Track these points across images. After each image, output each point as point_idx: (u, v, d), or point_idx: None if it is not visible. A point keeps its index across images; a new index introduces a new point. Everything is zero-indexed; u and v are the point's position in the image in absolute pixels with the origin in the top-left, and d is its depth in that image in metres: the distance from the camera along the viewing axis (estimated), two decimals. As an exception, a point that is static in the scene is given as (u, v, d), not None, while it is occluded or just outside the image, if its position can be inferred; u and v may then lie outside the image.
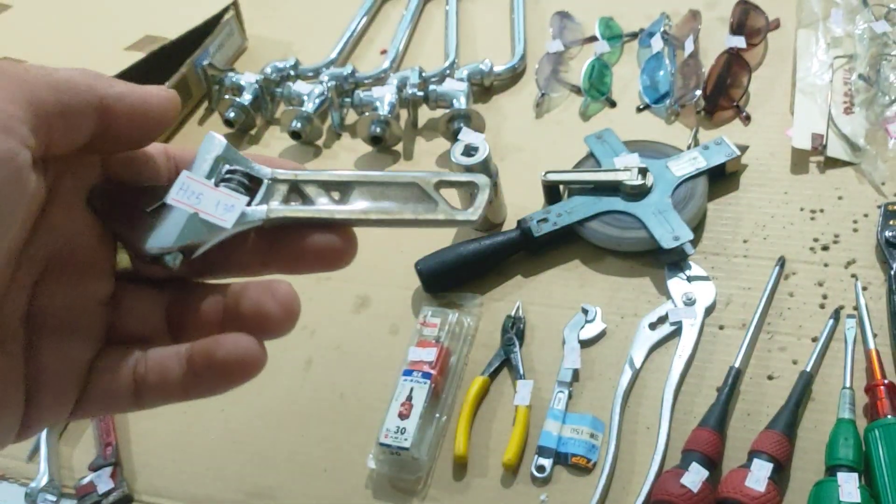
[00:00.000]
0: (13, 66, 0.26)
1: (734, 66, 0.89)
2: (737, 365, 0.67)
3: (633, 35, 1.01)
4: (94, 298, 0.29)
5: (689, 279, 0.75)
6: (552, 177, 0.83)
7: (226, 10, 1.11)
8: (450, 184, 0.31)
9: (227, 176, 0.30)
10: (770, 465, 0.59)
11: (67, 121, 0.27)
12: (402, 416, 0.69)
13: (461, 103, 0.94)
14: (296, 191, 0.31)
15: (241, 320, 0.29)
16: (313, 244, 0.30)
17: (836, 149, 0.81)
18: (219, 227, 0.29)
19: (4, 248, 0.25)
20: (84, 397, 0.29)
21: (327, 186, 0.31)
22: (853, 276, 0.72)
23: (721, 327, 0.72)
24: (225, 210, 0.29)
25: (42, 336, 0.28)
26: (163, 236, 0.29)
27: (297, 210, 0.30)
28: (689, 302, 0.73)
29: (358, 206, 0.30)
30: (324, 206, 0.30)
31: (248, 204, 0.30)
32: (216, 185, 0.30)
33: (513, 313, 0.77)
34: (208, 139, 0.31)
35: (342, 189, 0.31)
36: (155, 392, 0.29)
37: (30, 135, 0.25)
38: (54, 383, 0.28)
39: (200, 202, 0.29)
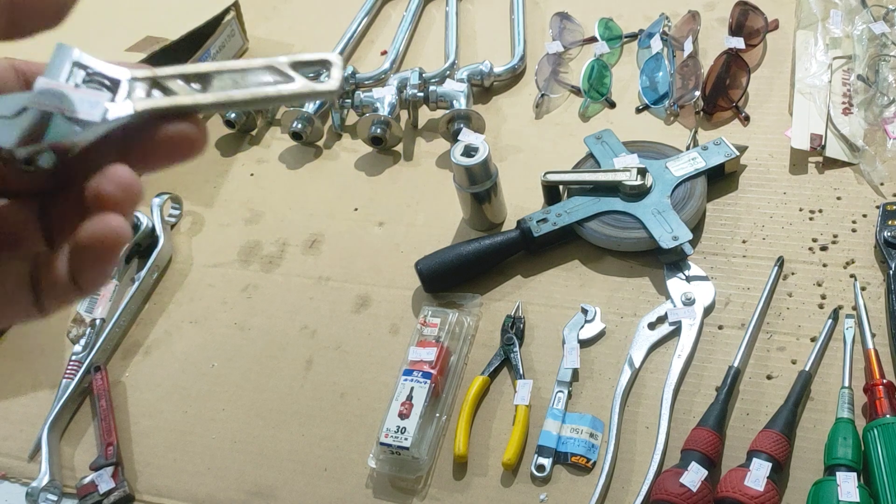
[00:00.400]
0: None
1: (733, 67, 0.89)
2: (736, 365, 0.67)
3: (633, 36, 1.01)
4: None
5: (689, 279, 0.75)
6: (552, 177, 0.83)
7: (227, 11, 1.11)
8: (303, 63, 0.32)
9: (87, 80, 0.30)
10: (769, 465, 0.59)
11: None
12: (403, 416, 0.69)
13: (461, 104, 0.94)
14: (157, 87, 0.31)
15: (90, 210, 0.29)
16: (166, 134, 0.30)
17: (834, 149, 0.81)
18: (89, 123, 0.29)
19: None
20: None
21: (187, 78, 0.31)
22: (852, 276, 0.73)
23: (720, 327, 0.73)
24: (91, 106, 0.29)
25: None
26: (32, 137, 0.29)
27: (162, 101, 0.31)
28: (689, 302, 0.74)
29: (221, 92, 0.31)
30: (188, 94, 0.31)
31: (112, 101, 0.30)
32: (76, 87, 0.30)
33: (512, 313, 0.77)
34: (59, 48, 0.31)
35: (202, 79, 0.32)
36: (52, 294, 0.29)
37: None
38: None
39: (63, 103, 0.29)
